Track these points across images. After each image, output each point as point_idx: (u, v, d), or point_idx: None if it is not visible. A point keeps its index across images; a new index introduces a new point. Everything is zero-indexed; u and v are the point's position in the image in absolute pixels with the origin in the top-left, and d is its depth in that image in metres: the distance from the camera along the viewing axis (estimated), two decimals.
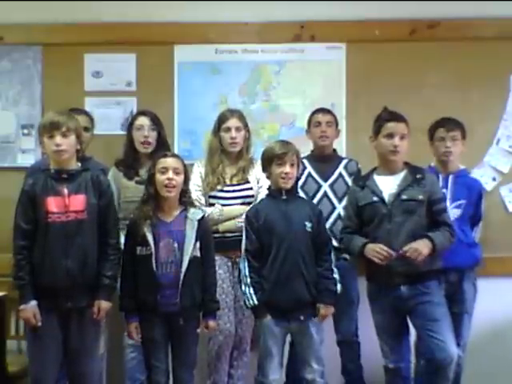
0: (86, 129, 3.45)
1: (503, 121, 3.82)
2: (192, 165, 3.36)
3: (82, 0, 3.77)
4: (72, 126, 2.83)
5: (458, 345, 3.13)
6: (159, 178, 2.90)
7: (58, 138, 2.78)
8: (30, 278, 2.77)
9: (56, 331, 2.80)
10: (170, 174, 2.89)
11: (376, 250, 2.95)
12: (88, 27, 3.80)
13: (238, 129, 3.35)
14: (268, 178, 3.07)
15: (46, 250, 2.77)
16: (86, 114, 3.54)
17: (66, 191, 2.81)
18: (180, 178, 2.92)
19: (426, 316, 2.96)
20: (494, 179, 3.81)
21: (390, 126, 3.03)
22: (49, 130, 2.79)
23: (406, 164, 3.09)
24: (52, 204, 2.79)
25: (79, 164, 2.90)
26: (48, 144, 2.80)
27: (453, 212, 3.23)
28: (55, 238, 2.78)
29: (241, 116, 3.41)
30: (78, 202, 2.82)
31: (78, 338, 2.82)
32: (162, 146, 3.38)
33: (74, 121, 2.88)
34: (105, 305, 2.84)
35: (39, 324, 2.77)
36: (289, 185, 3.00)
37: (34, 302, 2.77)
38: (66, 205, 2.79)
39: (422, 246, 2.92)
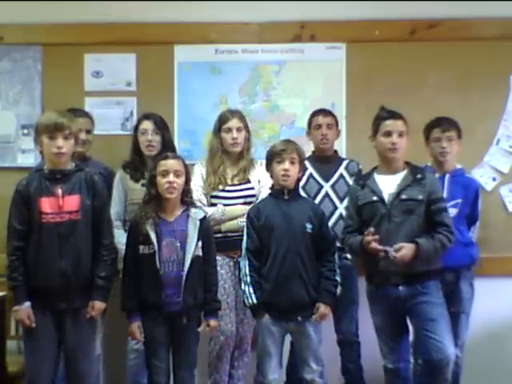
0: (89, 131, 3.47)
1: (503, 121, 3.82)
2: (192, 165, 3.36)
3: (81, 0, 3.77)
4: (74, 129, 2.82)
5: (456, 345, 3.14)
6: (160, 180, 2.90)
7: (60, 141, 2.77)
8: (24, 279, 2.76)
9: (51, 332, 2.80)
10: (171, 178, 2.89)
11: (369, 242, 2.92)
12: (88, 27, 3.80)
13: (238, 129, 3.35)
14: (271, 176, 3.07)
15: (40, 250, 2.77)
16: (87, 115, 3.54)
17: (60, 191, 2.79)
18: (181, 180, 2.92)
19: (423, 316, 2.96)
20: (494, 179, 3.81)
21: (388, 123, 3.04)
22: (51, 130, 2.76)
23: (408, 164, 3.09)
24: (46, 204, 2.77)
25: (73, 164, 2.88)
26: (48, 145, 2.78)
27: (449, 211, 3.22)
28: (49, 238, 2.77)
29: (241, 116, 3.41)
30: (73, 202, 2.80)
31: (74, 338, 2.82)
32: (167, 149, 3.36)
33: (75, 124, 2.87)
34: (99, 305, 2.84)
35: (33, 325, 2.76)
36: (289, 182, 3.01)
37: (27, 303, 2.76)
38: (60, 205, 2.78)
39: (407, 254, 2.89)
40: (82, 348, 2.84)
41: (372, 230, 2.92)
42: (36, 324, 2.77)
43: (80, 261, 2.80)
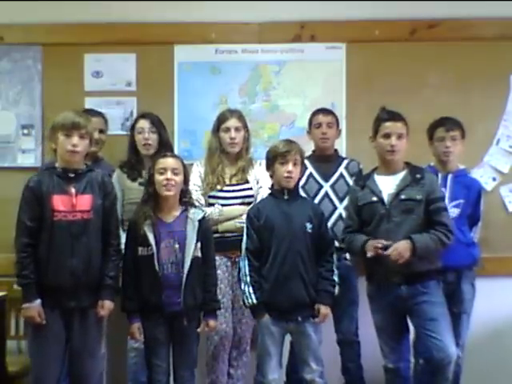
0: (102, 131, 3.49)
1: (503, 121, 3.82)
2: (192, 165, 3.37)
3: (81, 0, 3.77)
4: (90, 129, 2.86)
5: (457, 345, 3.14)
6: (158, 178, 2.91)
7: (76, 139, 2.79)
8: (35, 277, 2.76)
9: (60, 330, 2.80)
10: (169, 175, 2.89)
11: (372, 245, 2.95)
12: (88, 27, 3.80)
13: (237, 129, 3.35)
14: (271, 176, 3.07)
15: (51, 248, 2.77)
16: (101, 115, 3.55)
17: (73, 190, 2.81)
18: (179, 178, 2.92)
19: (424, 315, 2.97)
20: (494, 179, 3.81)
21: (387, 125, 3.05)
22: (68, 129, 2.78)
23: (407, 164, 3.09)
24: (59, 202, 2.78)
25: (84, 165, 2.90)
26: (63, 143, 2.79)
27: (451, 211, 3.21)
28: (61, 236, 2.77)
29: (240, 116, 3.41)
30: (85, 201, 2.82)
31: (81, 338, 2.82)
32: (164, 148, 3.37)
33: (91, 124, 2.90)
34: (108, 304, 2.85)
35: (43, 322, 2.76)
36: (291, 184, 3.00)
37: (38, 301, 2.76)
38: (74, 204, 2.79)
39: (404, 250, 2.90)
40: (88, 348, 2.85)
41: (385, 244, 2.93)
42: (45, 322, 2.76)
43: (91, 260, 2.81)
